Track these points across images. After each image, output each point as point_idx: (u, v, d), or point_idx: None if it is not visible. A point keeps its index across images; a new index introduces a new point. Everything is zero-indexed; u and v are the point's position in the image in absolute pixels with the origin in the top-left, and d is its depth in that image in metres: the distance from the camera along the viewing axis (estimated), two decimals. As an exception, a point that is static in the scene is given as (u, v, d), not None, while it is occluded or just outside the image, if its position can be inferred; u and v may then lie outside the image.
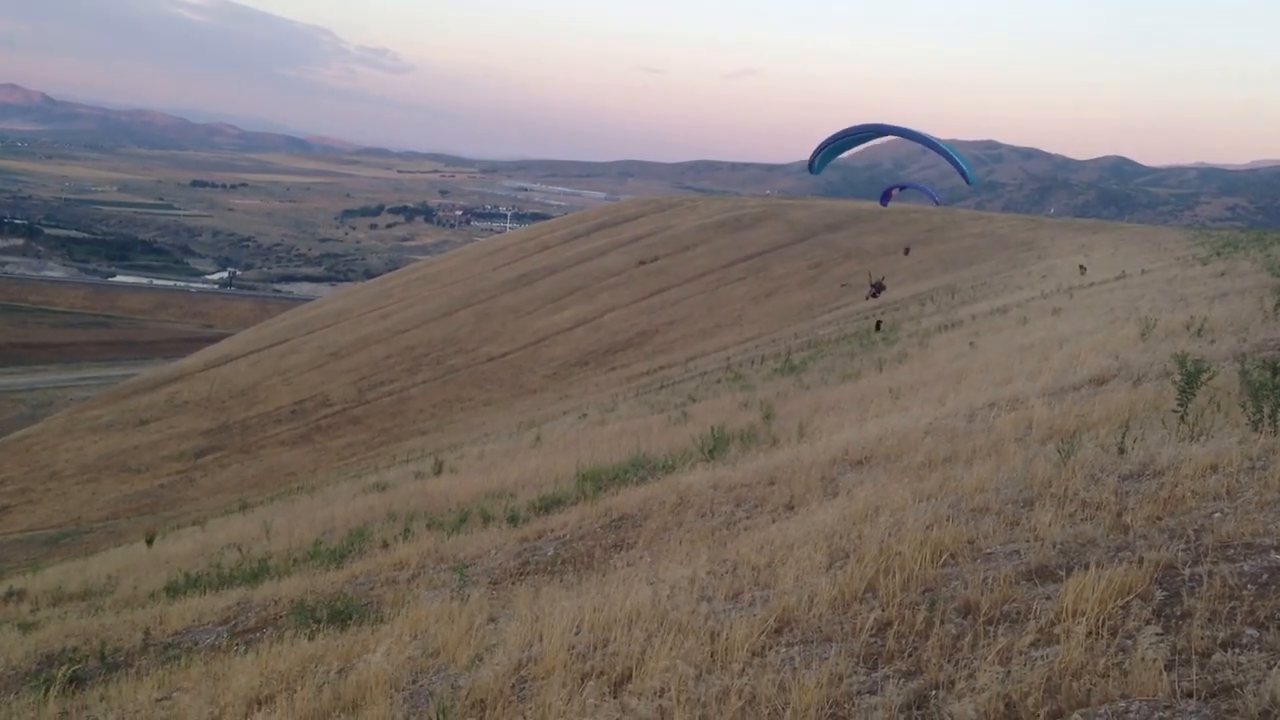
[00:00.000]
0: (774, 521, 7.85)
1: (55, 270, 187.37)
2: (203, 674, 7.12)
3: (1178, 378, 7.43)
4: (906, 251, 51.96)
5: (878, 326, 30.63)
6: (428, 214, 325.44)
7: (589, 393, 46.37)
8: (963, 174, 15.23)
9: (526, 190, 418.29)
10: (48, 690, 7.43)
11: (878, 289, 26.22)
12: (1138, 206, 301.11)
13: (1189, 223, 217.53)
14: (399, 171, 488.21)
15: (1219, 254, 28.94)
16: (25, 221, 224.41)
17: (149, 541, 20.74)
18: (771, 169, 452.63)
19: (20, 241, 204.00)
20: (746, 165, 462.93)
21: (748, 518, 8.33)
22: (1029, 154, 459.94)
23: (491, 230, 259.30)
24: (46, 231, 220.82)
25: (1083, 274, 32.92)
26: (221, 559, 14.62)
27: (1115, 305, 19.80)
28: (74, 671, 8.00)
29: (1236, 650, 3.72)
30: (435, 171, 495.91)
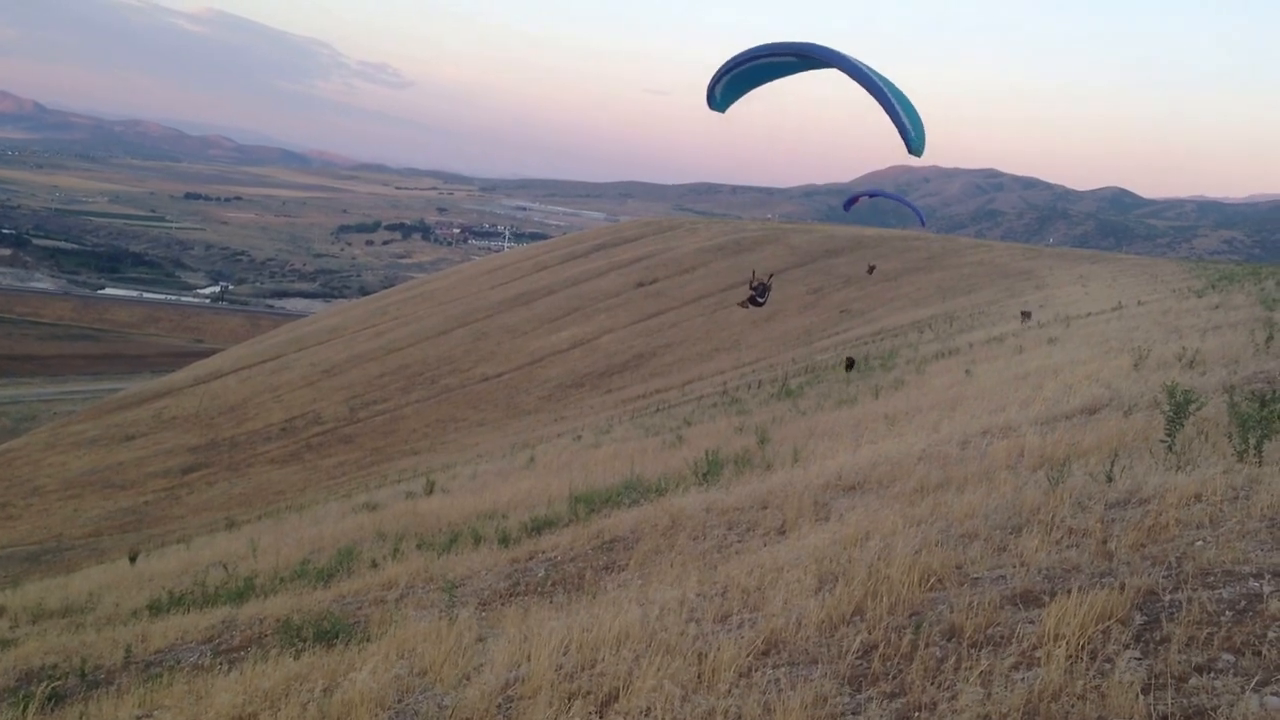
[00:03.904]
0: (765, 545, 7.88)
1: (43, 281, 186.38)
2: (185, 692, 7.07)
3: (1167, 408, 7.51)
4: (870, 270, 52.34)
5: (849, 365, 27.49)
6: (425, 231, 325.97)
7: (584, 415, 46.38)
8: (907, 142, 12.04)
9: (525, 209, 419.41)
10: (26, 707, 7.38)
11: (761, 290, 21.39)
12: (1136, 238, 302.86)
13: (1186, 255, 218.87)
14: (397, 188, 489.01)
15: (1214, 287, 29.13)
16: (13, 231, 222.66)
17: (132, 559, 20.66)
18: (772, 193, 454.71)
19: (8, 251, 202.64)
20: (747, 189, 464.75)
21: (739, 541, 8.36)
22: (1029, 183, 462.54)
23: (489, 249, 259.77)
24: (35, 242, 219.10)
25: (1025, 321, 29.54)
26: (206, 577, 14.55)
27: (1110, 336, 19.93)
28: (53, 689, 7.94)
29: (1212, 674, 3.78)
30: (434, 189, 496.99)
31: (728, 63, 13.35)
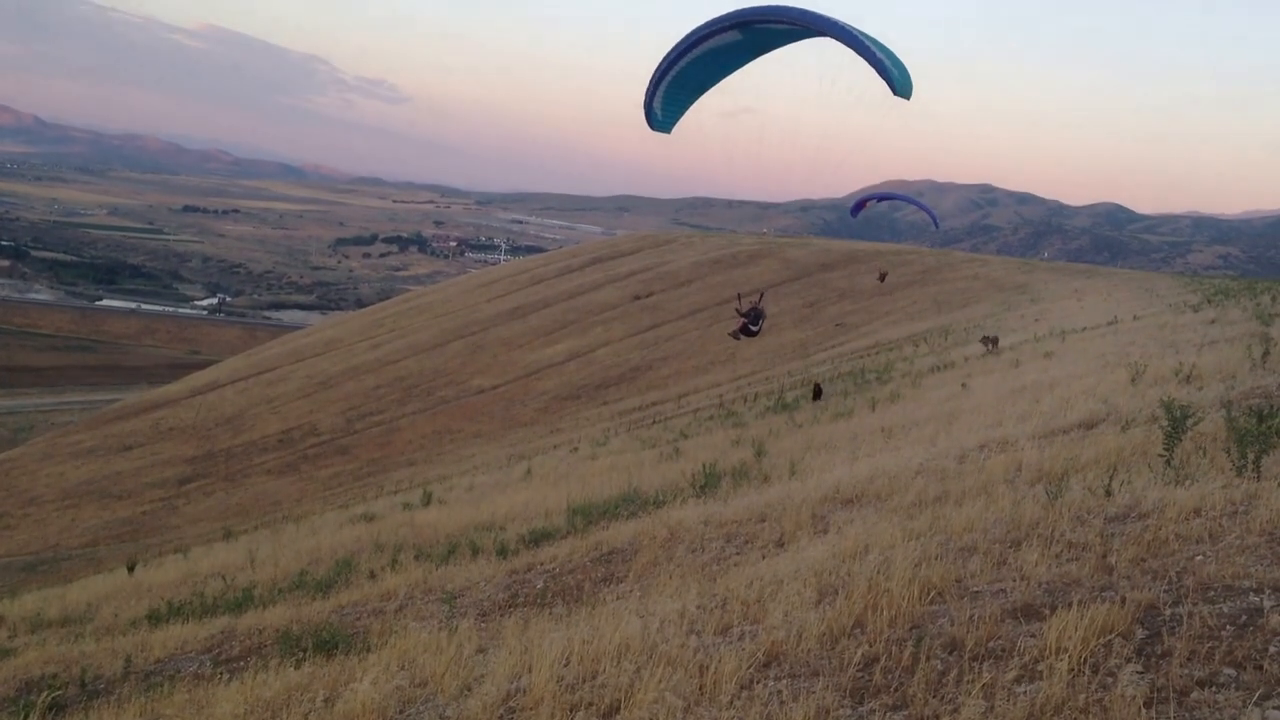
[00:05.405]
0: (764, 558, 7.89)
1: (41, 293, 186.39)
2: (186, 702, 7.07)
3: (1165, 423, 7.55)
4: (882, 278, 52.35)
5: (816, 393, 24.68)
6: (421, 244, 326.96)
7: (580, 427, 46.33)
8: (890, 83, 10.32)
9: (521, 223, 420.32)
10: (27, 716, 7.40)
11: (754, 316, 18.33)
12: (1131, 253, 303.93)
13: (1181, 270, 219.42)
14: (394, 201, 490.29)
15: (1210, 302, 29.20)
16: (12, 243, 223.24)
17: (130, 569, 20.60)
18: (768, 207, 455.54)
19: (7, 263, 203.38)
20: (743, 203, 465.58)
21: (738, 554, 8.37)
22: (1024, 199, 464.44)
23: (485, 262, 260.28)
24: (34, 253, 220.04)
25: (993, 347, 27.01)
26: (205, 587, 14.54)
27: (1106, 350, 19.95)
28: (54, 698, 7.94)
29: (1214, 689, 3.81)
30: (430, 202, 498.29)
31: (662, 62, 11.21)
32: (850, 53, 11.05)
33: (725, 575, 7.46)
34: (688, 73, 11.44)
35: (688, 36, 11.14)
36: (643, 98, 11.80)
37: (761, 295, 19.49)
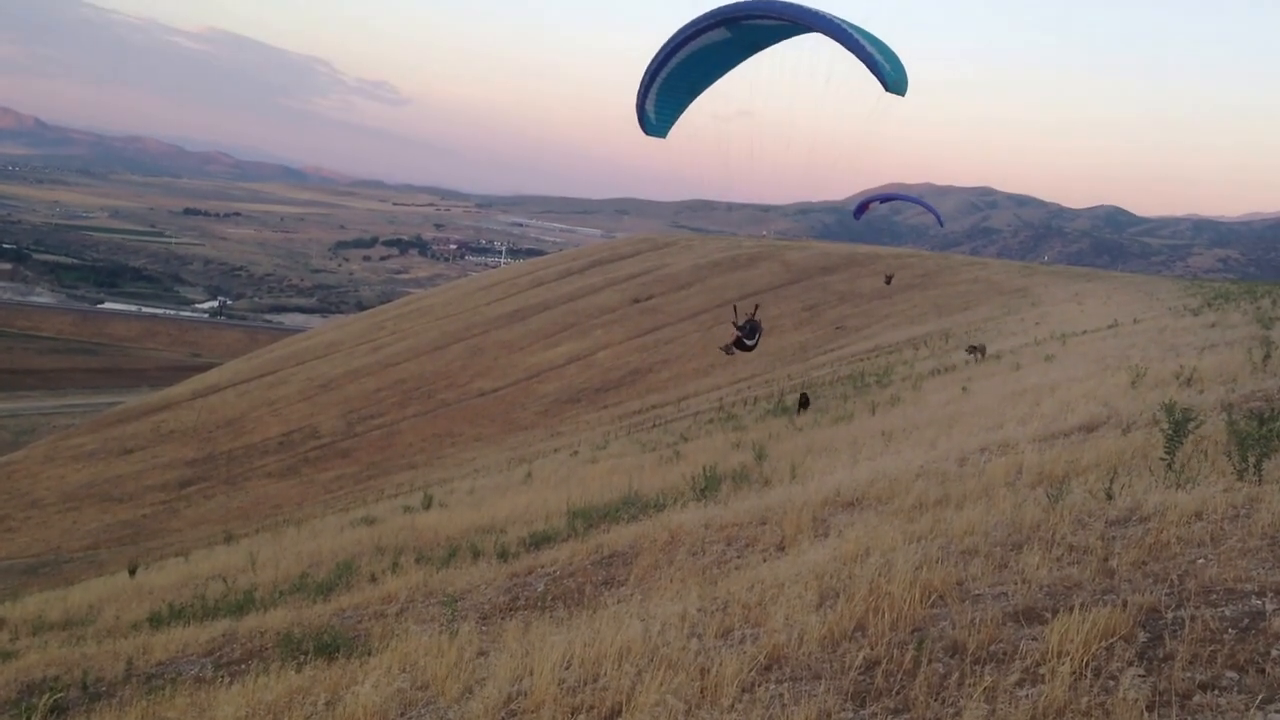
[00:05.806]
0: (765, 561, 7.89)
1: (43, 295, 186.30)
2: (187, 705, 7.09)
3: (1166, 426, 7.55)
4: (888, 280, 52.42)
5: (803, 404, 23.41)
6: (422, 247, 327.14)
7: (581, 430, 46.33)
8: (882, 78, 9.90)
9: (521, 226, 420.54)
10: (29, 719, 7.38)
11: (750, 329, 17.68)
12: (1131, 256, 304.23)
13: (1181, 273, 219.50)
14: (394, 204, 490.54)
15: (1210, 305, 29.20)
16: (14, 246, 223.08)
17: (131, 571, 20.60)
18: (767, 210, 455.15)
19: (8, 266, 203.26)
20: (743, 206, 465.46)
21: (739, 557, 8.37)
22: (1024, 201, 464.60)
23: (486, 265, 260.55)
24: (35, 256, 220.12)
25: (981, 356, 26.06)
26: (206, 590, 14.55)
27: (1107, 353, 19.96)
28: (56, 701, 7.95)
29: (1216, 692, 3.81)
30: (430, 205, 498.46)
31: (652, 63, 10.84)
32: (844, 49, 10.81)
33: (726, 578, 7.46)
34: (678, 74, 11.22)
35: (675, 35, 10.92)
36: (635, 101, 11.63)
37: (757, 307, 18.96)
